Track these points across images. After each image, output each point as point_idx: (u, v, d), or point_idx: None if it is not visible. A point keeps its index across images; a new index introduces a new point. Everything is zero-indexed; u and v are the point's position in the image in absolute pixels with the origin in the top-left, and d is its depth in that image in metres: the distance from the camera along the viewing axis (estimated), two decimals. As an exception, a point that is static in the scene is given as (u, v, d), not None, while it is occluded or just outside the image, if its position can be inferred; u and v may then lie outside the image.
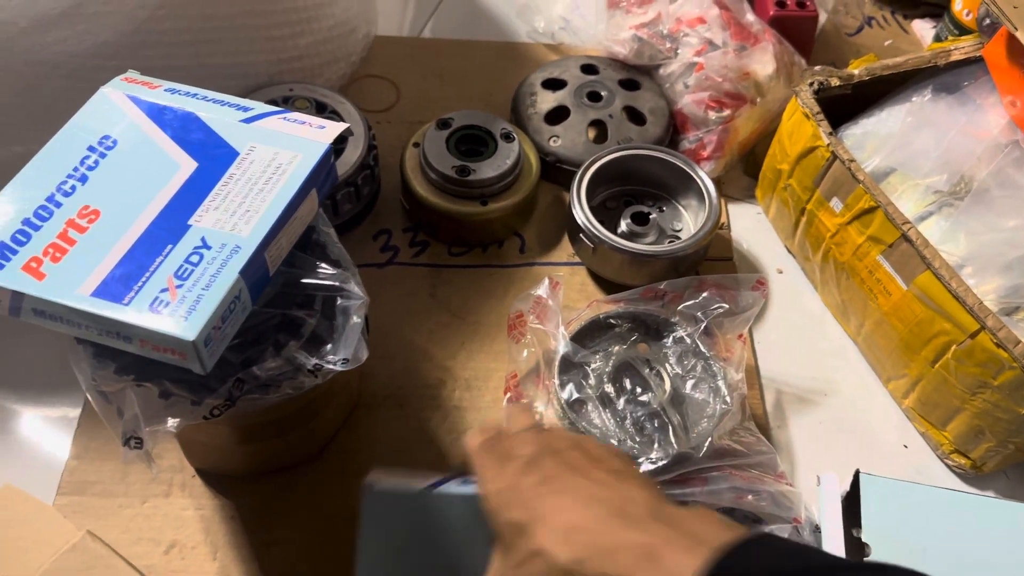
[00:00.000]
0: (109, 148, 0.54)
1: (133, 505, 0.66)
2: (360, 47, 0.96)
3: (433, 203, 0.80)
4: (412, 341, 0.77)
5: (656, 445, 0.67)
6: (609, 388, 0.70)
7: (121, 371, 0.50)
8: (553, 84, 0.92)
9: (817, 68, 0.80)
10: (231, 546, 0.65)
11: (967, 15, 0.96)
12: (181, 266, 0.49)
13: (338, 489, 0.68)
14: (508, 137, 0.82)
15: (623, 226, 0.81)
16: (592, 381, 0.70)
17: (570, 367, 0.71)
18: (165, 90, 0.58)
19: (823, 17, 1.05)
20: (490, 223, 0.82)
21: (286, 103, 0.81)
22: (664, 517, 0.41)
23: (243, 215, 0.51)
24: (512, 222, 0.84)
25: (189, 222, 0.51)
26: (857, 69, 0.80)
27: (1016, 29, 0.70)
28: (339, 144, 0.79)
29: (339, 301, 0.54)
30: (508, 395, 0.72)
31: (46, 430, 0.72)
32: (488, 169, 0.80)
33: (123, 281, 0.48)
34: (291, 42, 0.84)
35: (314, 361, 0.52)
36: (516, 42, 1.04)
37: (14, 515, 0.50)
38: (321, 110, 0.82)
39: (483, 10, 1.08)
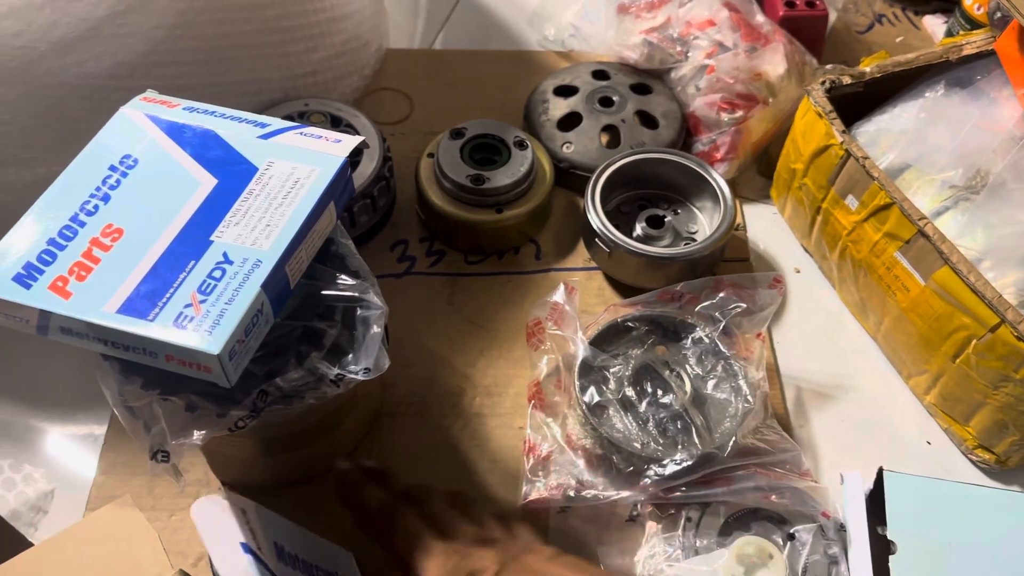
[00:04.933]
0: (130, 167, 0.55)
1: (161, 519, 0.67)
2: (373, 60, 0.97)
3: (448, 212, 0.81)
4: (432, 350, 0.78)
5: (680, 446, 0.67)
6: (630, 391, 0.70)
7: (147, 386, 0.51)
8: (565, 91, 0.93)
9: (829, 67, 0.80)
10: (258, 557, 0.65)
11: (978, 9, 0.95)
12: (204, 281, 0.49)
13: (362, 498, 0.68)
14: (521, 145, 0.83)
15: (638, 230, 0.82)
16: (612, 385, 0.70)
17: (590, 371, 0.71)
18: (183, 108, 0.59)
19: (833, 16, 1.05)
20: (505, 230, 0.82)
21: (302, 118, 0.82)
22: None
23: (263, 230, 0.52)
24: (527, 229, 0.85)
25: (211, 238, 0.52)
26: (869, 67, 0.79)
27: (1027, 21, 0.70)
28: (355, 157, 0.80)
29: (359, 311, 0.55)
30: (532, 403, 0.72)
31: (73, 448, 0.73)
32: (502, 177, 0.80)
33: (148, 297, 0.49)
34: (305, 57, 0.85)
35: (336, 371, 0.53)
36: (527, 50, 1.04)
37: (121, 534, 0.50)
38: (336, 124, 0.83)
39: (493, 20, 1.09)
